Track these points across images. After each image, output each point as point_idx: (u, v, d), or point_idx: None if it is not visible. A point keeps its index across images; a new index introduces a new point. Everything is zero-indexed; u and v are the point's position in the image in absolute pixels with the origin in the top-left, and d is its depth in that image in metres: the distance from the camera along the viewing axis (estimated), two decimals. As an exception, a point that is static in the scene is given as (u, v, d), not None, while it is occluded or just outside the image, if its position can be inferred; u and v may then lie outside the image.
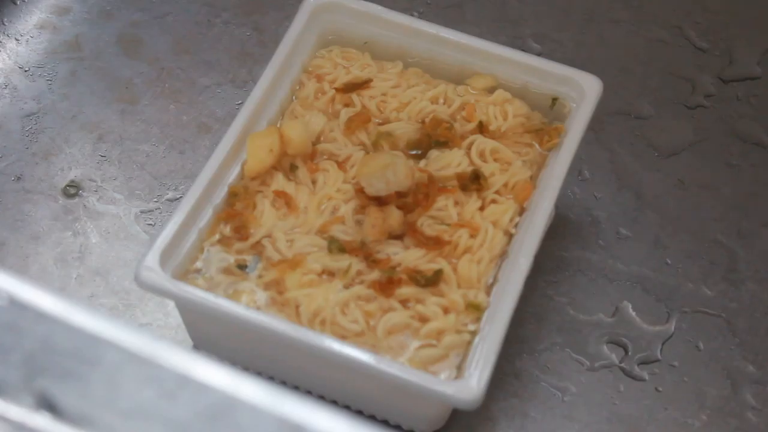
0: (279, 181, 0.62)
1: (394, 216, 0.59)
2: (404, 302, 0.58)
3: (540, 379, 0.63)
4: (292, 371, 0.61)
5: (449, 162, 0.62)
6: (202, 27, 0.78)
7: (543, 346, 0.64)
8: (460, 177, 0.62)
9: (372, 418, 0.60)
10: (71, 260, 0.67)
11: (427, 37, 0.67)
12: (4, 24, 0.77)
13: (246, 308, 0.56)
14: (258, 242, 0.60)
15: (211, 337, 0.62)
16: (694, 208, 0.70)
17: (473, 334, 0.57)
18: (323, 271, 0.58)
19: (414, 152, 0.63)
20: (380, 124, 0.64)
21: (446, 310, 0.57)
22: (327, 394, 0.61)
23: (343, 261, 0.59)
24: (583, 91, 0.64)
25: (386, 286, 0.58)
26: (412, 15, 0.74)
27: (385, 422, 0.60)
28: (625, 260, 0.68)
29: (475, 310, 0.57)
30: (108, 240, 0.68)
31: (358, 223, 0.60)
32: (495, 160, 0.63)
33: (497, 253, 0.60)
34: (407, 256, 0.59)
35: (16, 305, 0.35)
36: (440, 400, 0.55)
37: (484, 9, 0.80)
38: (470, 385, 0.54)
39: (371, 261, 0.59)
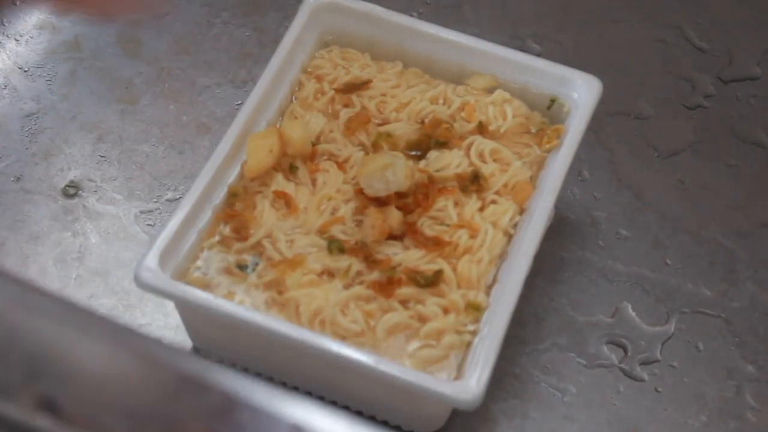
0: (279, 182, 0.62)
1: (394, 216, 0.59)
2: (404, 302, 0.58)
3: (540, 380, 0.63)
4: (292, 372, 0.61)
5: (449, 162, 0.62)
6: (202, 27, 0.78)
7: (543, 346, 0.64)
8: (459, 177, 0.62)
9: (372, 418, 0.60)
10: (71, 260, 0.67)
11: (426, 37, 0.67)
12: (3, 24, 0.77)
13: (246, 309, 0.56)
14: (258, 242, 0.60)
15: (211, 337, 0.62)
16: (693, 208, 0.70)
17: (473, 334, 0.57)
18: (323, 272, 0.58)
19: (413, 153, 0.63)
20: (380, 125, 0.64)
21: (446, 311, 0.57)
22: (327, 395, 0.61)
23: (343, 261, 0.59)
24: (583, 92, 0.64)
25: (386, 286, 0.58)
26: (411, 15, 0.74)
27: (384, 423, 0.60)
28: (625, 260, 0.68)
29: (475, 310, 0.57)
30: (107, 240, 0.68)
31: (358, 223, 0.60)
32: (494, 160, 0.63)
33: (497, 254, 0.60)
34: (407, 257, 0.59)
35: (16, 305, 0.35)
36: (440, 401, 0.55)
37: (484, 9, 0.80)
38: (470, 385, 0.54)
39: (371, 261, 0.59)
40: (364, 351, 0.55)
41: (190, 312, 0.60)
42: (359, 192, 0.60)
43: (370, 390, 0.58)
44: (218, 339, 0.61)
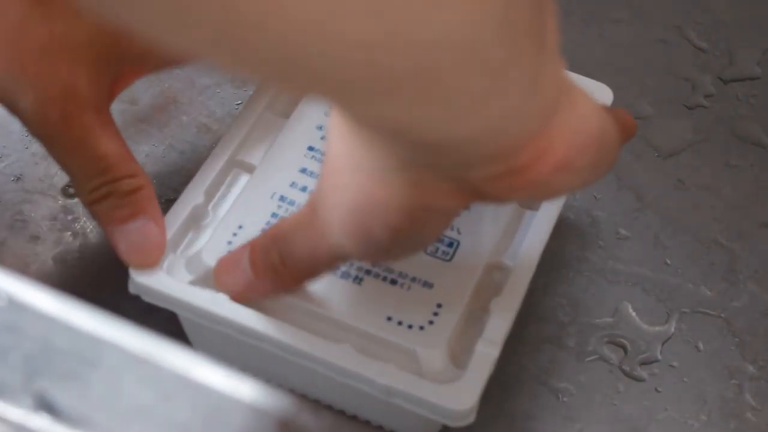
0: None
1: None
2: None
3: (540, 380, 0.63)
4: (292, 377, 0.60)
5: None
6: (202, 27, 0.78)
7: (543, 346, 0.64)
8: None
9: (367, 423, 0.60)
10: (71, 260, 0.67)
11: None
12: (3, 24, 0.77)
13: (247, 316, 0.55)
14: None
15: (212, 341, 0.61)
16: (694, 208, 0.70)
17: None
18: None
19: None
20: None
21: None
22: (322, 399, 0.60)
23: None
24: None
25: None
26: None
27: (380, 428, 0.60)
28: (625, 260, 0.68)
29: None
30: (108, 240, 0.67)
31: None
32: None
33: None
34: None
35: (16, 305, 0.35)
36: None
37: (484, 9, 0.79)
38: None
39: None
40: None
41: (189, 318, 0.59)
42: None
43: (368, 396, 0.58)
44: (219, 343, 0.61)
